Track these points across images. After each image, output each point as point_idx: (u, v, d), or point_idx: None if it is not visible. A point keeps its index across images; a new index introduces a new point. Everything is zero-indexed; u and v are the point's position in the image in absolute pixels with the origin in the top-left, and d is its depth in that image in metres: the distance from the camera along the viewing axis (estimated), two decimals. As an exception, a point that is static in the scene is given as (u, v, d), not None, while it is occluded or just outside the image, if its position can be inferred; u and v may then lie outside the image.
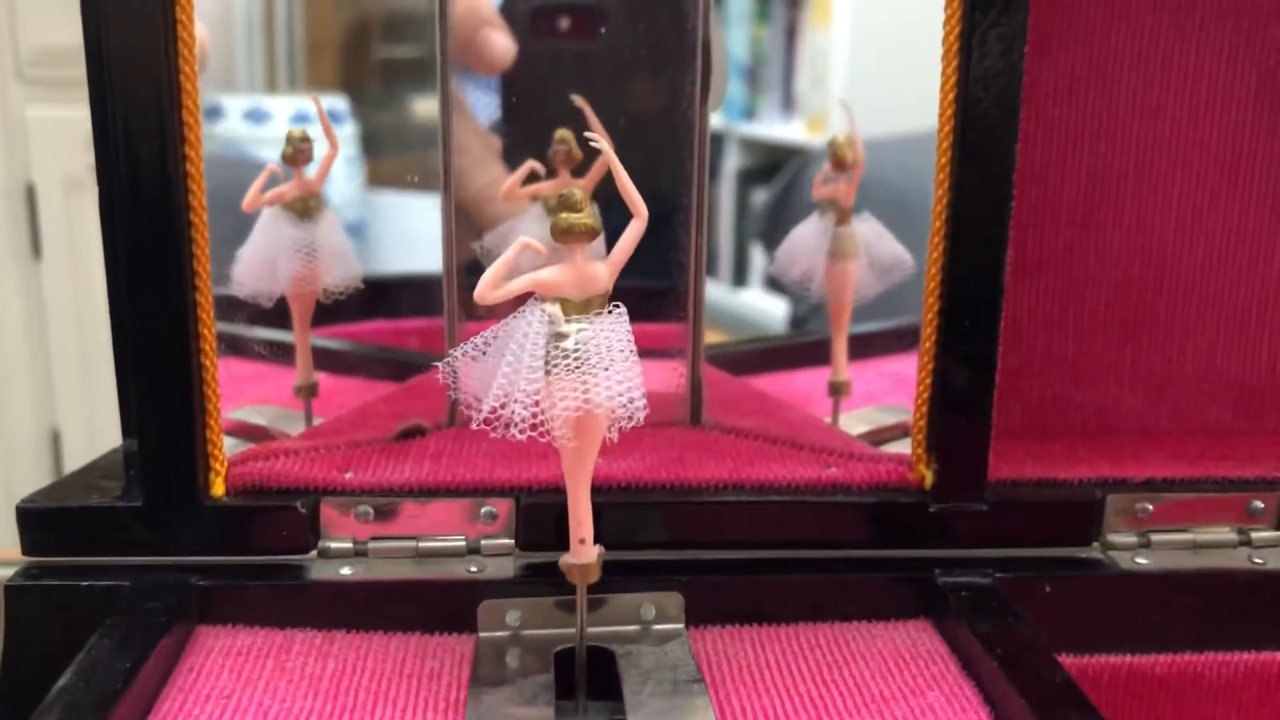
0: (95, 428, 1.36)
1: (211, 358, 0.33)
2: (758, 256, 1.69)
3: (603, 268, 0.27)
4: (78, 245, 1.29)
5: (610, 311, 0.27)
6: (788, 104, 1.70)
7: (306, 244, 0.40)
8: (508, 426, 0.26)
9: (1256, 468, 0.37)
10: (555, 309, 0.27)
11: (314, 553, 0.34)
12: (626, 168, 0.27)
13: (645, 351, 0.31)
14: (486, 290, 0.26)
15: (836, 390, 0.44)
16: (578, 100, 0.40)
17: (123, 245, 0.33)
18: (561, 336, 0.27)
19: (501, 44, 0.43)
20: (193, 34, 0.31)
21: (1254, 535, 0.36)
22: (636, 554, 0.34)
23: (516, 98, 0.42)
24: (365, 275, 0.52)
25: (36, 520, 0.33)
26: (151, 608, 0.32)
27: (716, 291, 1.72)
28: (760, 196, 1.67)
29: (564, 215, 0.27)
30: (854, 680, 0.31)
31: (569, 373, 0.26)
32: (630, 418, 0.27)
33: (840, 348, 0.43)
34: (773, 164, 1.61)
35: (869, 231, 0.41)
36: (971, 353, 0.34)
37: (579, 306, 0.27)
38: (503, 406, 0.27)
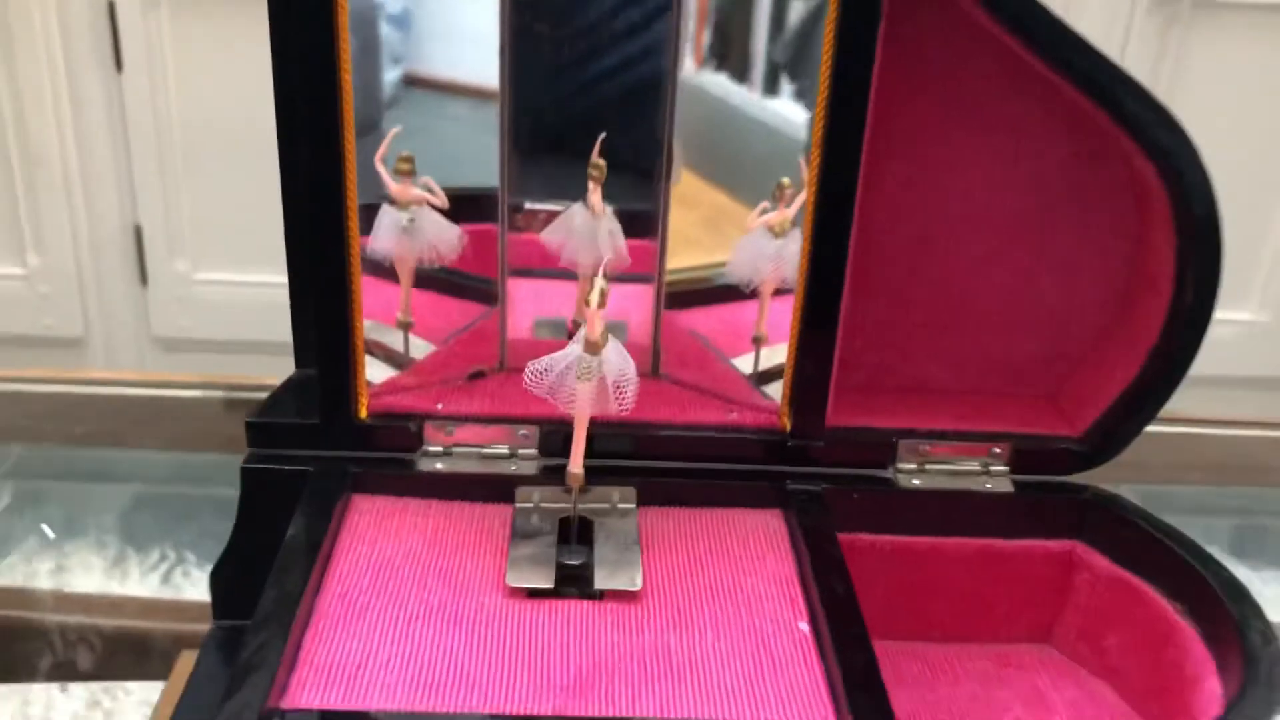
0: (171, 225, 1.58)
1: (360, 319, 0.55)
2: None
3: (600, 323, 0.49)
4: (155, 60, 1.48)
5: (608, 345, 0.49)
6: None
7: (406, 228, 0.61)
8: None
9: (1003, 424, 0.59)
10: (580, 349, 0.49)
11: (420, 453, 0.57)
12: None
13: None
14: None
15: (758, 342, 0.66)
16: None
17: (305, 220, 0.53)
18: (587, 364, 0.49)
19: None
20: None
21: (991, 469, 0.58)
22: (611, 462, 0.57)
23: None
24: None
25: (260, 429, 0.56)
26: (328, 485, 0.55)
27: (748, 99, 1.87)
28: None
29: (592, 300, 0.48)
30: (729, 545, 0.55)
31: (591, 380, 0.49)
32: (623, 404, 0.49)
33: (764, 315, 0.64)
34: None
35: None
36: (820, 349, 0.56)
37: (593, 346, 0.49)
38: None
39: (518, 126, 0.59)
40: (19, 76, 1.48)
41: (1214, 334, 1.89)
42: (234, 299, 1.61)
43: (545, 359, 0.51)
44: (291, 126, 0.55)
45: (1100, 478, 0.84)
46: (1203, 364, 1.91)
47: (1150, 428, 1.23)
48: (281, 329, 0.61)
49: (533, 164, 0.61)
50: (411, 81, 0.60)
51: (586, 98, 0.61)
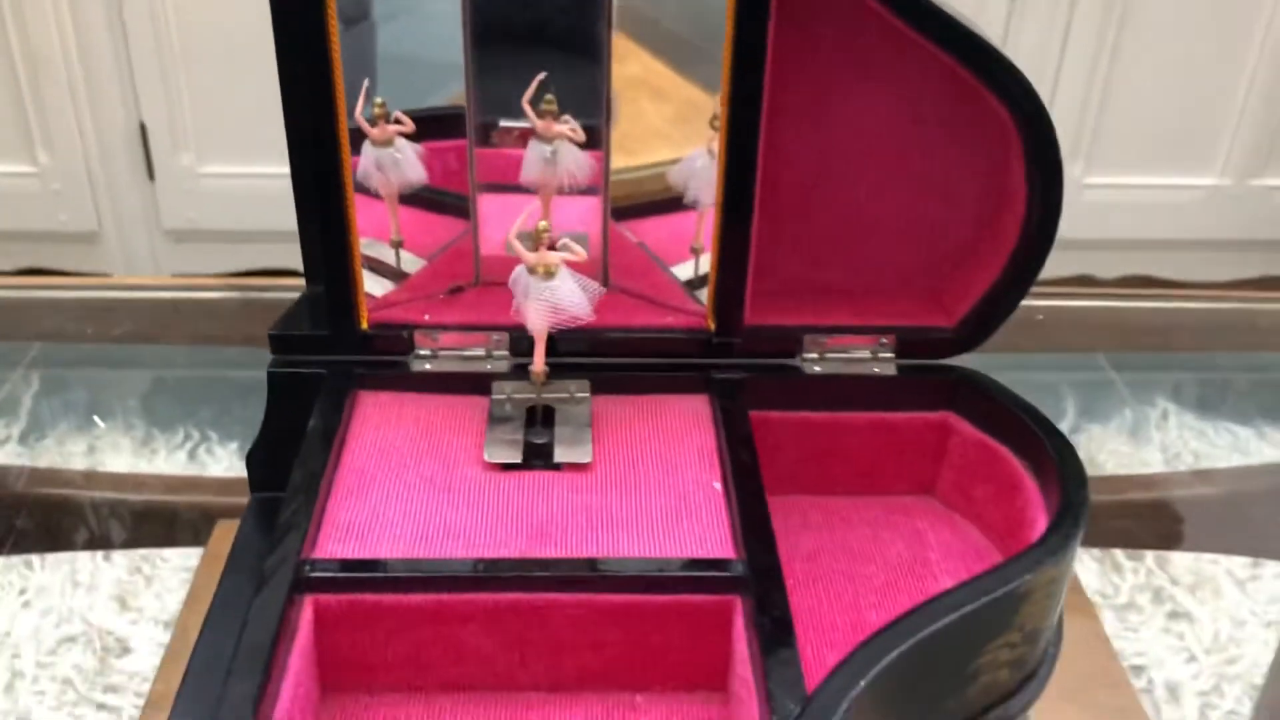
0: (174, 121, 1.68)
1: (358, 248, 0.67)
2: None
3: (554, 256, 0.61)
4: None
5: (557, 273, 0.62)
6: None
7: (386, 164, 0.71)
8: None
9: (890, 319, 0.71)
10: (526, 273, 0.61)
11: (412, 356, 0.70)
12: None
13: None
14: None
15: (696, 252, 0.78)
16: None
17: (308, 162, 0.64)
18: (540, 288, 0.61)
19: None
20: None
21: (879, 355, 0.71)
22: (569, 360, 0.70)
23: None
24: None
25: (280, 340, 0.69)
26: (338, 384, 0.68)
27: None
28: None
29: (544, 236, 0.60)
30: (663, 424, 0.68)
31: (541, 301, 0.61)
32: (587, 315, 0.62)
33: (702, 227, 0.75)
34: None
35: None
36: (737, 260, 0.68)
37: (544, 275, 0.61)
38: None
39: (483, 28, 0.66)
40: (17, -22, 1.56)
41: (1180, 198, 2.03)
42: (238, 190, 1.71)
43: (515, 272, 0.63)
44: (293, 87, 0.66)
45: (1081, 344, 0.98)
46: (1171, 228, 2.05)
47: (1122, 302, 1.37)
48: (285, 219, 0.72)
49: (503, 65, 0.67)
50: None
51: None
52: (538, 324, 0.64)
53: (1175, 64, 1.71)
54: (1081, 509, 0.61)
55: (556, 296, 0.63)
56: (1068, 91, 1.70)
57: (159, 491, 1.00)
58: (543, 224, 0.61)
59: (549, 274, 0.62)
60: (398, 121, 0.69)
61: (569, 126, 0.69)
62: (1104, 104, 1.72)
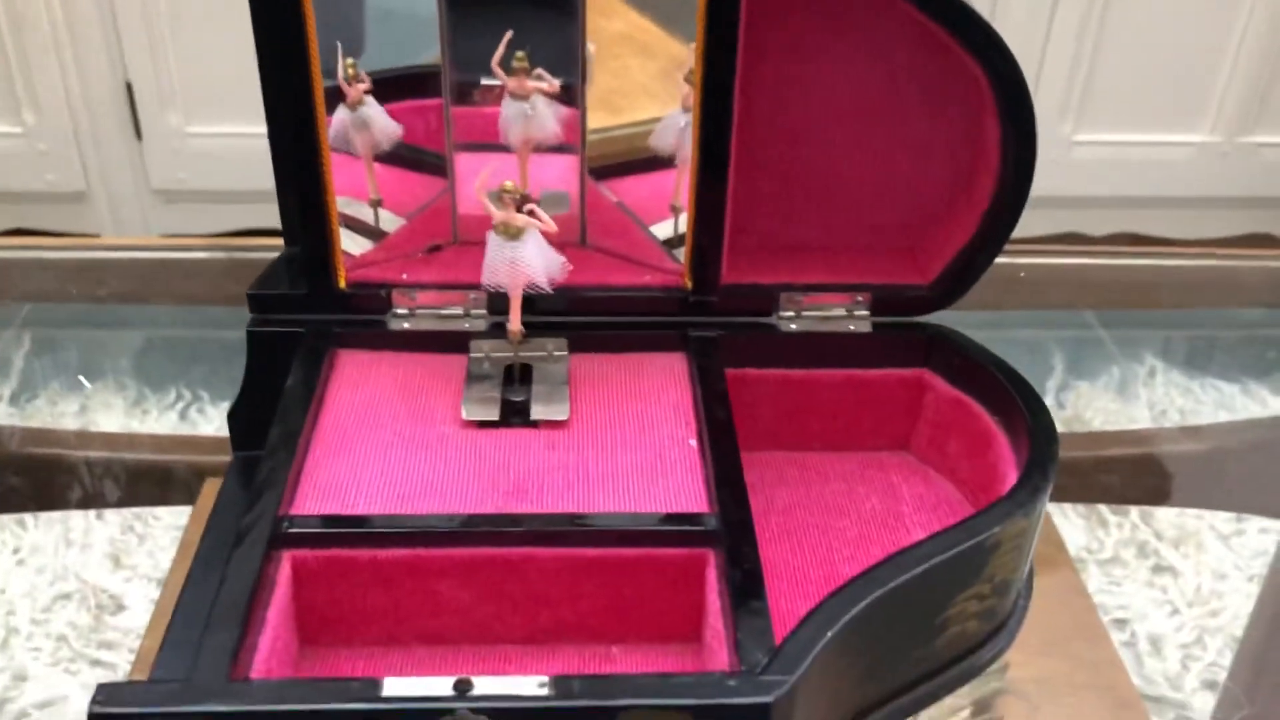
0: (161, 81, 1.67)
1: (334, 202, 0.68)
2: None
3: (519, 218, 0.61)
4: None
5: (521, 236, 0.62)
6: None
7: (359, 123, 0.71)
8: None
9: (865, 277, 0.72)
10: (498, 238, 0.62)
11: (390, 314, 0.70)
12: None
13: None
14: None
15: (675, 210, 0.78)
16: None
17: (284, 124, 0.64)
18: (501, 246, 0.62)
19: None
20: None
21: (855, 313, 0.71)
22: (547, 318, 0.70)
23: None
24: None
25: (259, 299, 0.69)
26: (317, 343, 0.68)
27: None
28: None
29: (505, 197, 0.61)
30: (640, 382, 0.68)
31: (500, 261, 0.62)
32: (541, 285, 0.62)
33: (681, 185, 0.75)
34: None
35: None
36: (713, 219, 0.68)
37: (513, 234, 0.62)
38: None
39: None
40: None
41: (1170, 155, 2.04)
42: (227, 150, 1.71)
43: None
44: (269, 47, 0.66)
45: (1069, 301, 0.98)
46: (1161, 185, 2.06)
47: (1110, 260, 1.38)
48: (272, 179, 0.73)
49: (479, 22, 0.67)
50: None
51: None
52: (490, 280, 0.64)
53: (1166, 21, 1.70)
54: (1050, 463, 0.61)
55: (516, 258, 0.63)
56: (1058, 48, 1.70)
57: (151, 451, 1.00)
58: (509, 184, 0.62)
59: (511, 235, 0.63)
60: (361, 80, 0.69)
61: (545, 82, 0.69)
62: (1094, 61, 1.72)
